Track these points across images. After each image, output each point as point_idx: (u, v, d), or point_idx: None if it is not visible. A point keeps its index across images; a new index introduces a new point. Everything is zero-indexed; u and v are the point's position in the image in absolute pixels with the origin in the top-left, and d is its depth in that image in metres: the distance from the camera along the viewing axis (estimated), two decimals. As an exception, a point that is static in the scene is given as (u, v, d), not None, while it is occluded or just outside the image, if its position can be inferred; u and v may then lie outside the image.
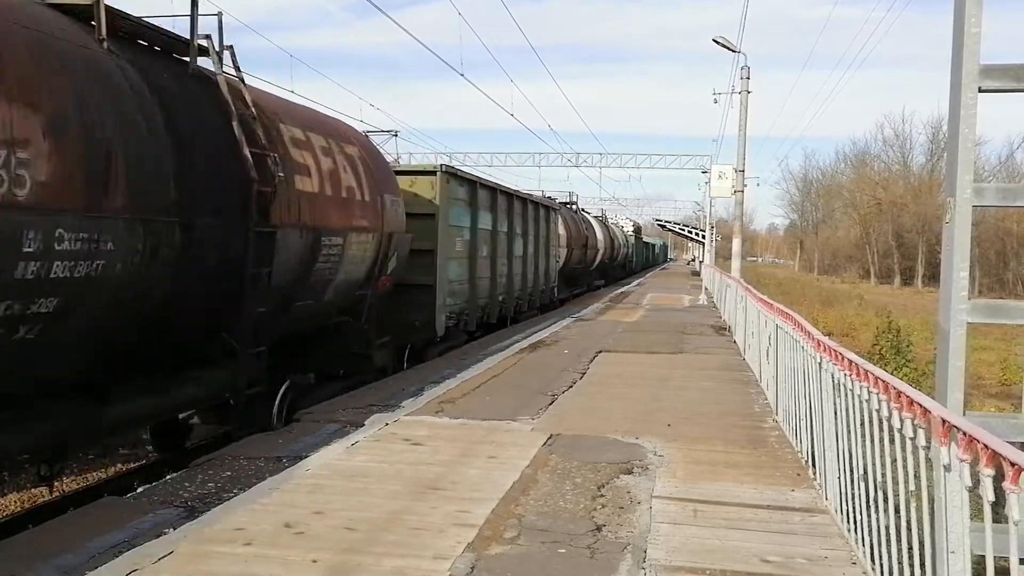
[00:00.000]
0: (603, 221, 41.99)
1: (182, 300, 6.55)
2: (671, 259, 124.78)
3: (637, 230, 65.65)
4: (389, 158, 13.30)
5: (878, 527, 4.23)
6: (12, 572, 4.16)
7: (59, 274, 5.10)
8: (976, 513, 3.32)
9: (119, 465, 9.78)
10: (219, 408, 7.99)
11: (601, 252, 36.86)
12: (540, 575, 4.26)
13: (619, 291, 34.58)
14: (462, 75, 21.25)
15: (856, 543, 4.66)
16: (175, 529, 4.79)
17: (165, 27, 7.11)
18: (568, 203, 31.86)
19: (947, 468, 3.36)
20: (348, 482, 5.78)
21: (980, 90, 5.91)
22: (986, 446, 2.90)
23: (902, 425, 3.84)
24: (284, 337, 8.63)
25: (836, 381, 5.19)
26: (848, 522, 4.87)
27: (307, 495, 5.46)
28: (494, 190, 17.01)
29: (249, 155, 7.21)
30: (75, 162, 5.22)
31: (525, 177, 79.90)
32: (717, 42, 25.41)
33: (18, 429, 5.49)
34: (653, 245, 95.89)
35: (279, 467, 6.14)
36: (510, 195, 18.69)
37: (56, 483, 8.48)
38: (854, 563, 4.50)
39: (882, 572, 4.14)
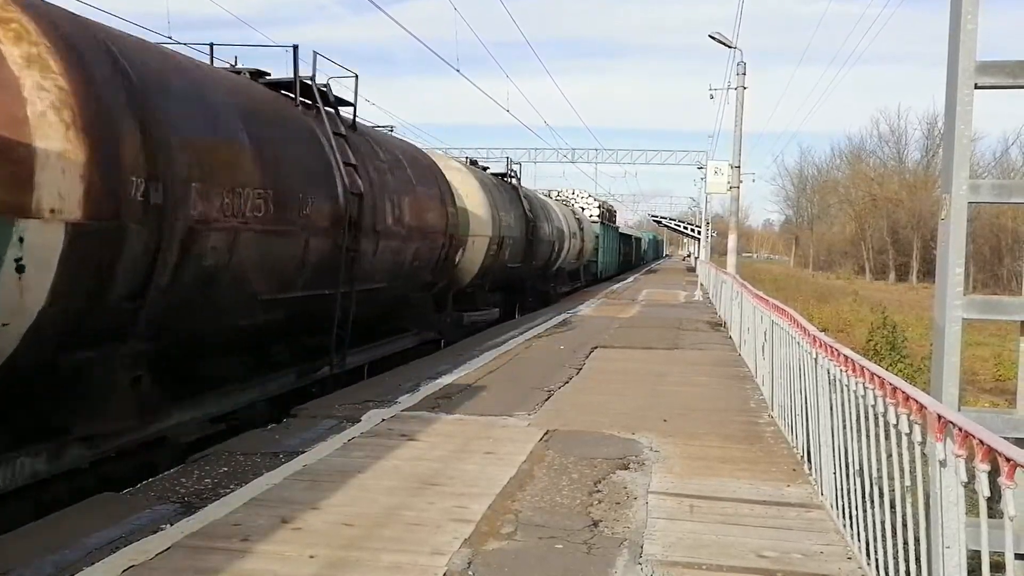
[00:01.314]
0: (518, 189, 21.49)
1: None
2: (667, 255, 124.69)
3: (607, 215, 44.51)
4: None
5: (874, 522, 4.25)
6: (9, 568, 4.16)
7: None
8: (971, 508, 3.34)
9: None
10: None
11: (513, 248, 18.93)
12: (537, 570, 4.28)
13: (610, 288, 34.50)
14: (458, 71, 21.20)
15: (852, 538, 4.68)
16: (172, 525, 4.79)
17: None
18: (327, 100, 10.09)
19: (943, 464, 3.37)
20: (345, 478, 5.78)
21: (976, 87, 5.92)
22: (981, 441, 2.91)
23: (898, 421, 3.85)
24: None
25: (832, 377, 5.21)
26: (844, 517, 4.89)
27: (304, 491, 5.47)
28: None
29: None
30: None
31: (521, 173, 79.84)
32: (713, 38, 25.43)
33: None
34: (638, 239, 74.87)
35: (276, 463, 6.13)
36: None
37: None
38: (849, 558, 4.52)
39: (877, 567, 4.16)
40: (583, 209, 38.00)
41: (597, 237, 37.84)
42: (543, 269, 24.97)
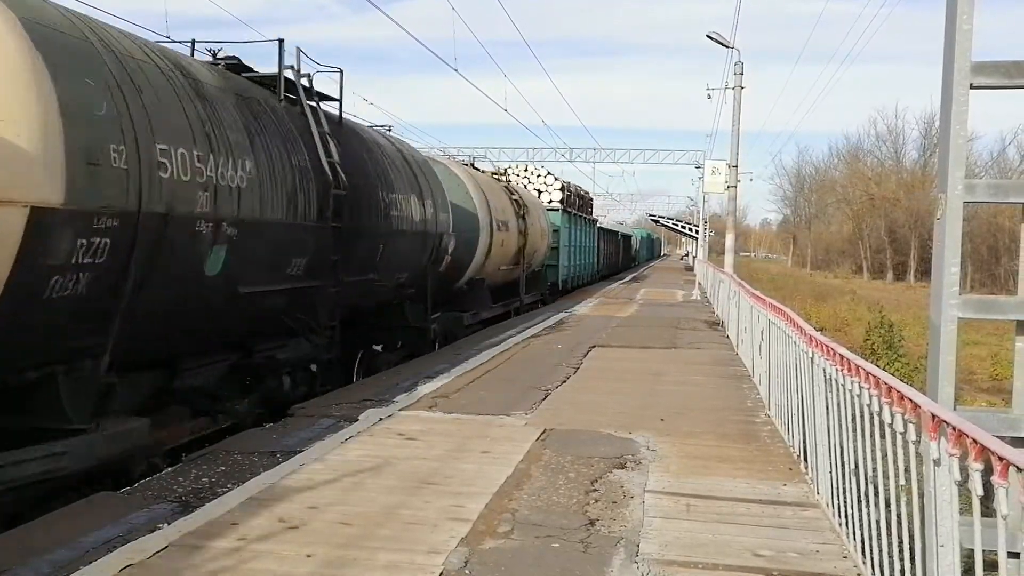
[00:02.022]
0: (312, 115, 9.47)
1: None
2: (664, 255, 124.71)
3: (576, 203, 30.81)
4: None
5: (869, 521, 4.26)
6: (5, 567, 4.16)
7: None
8: (966, 507, 3.35)
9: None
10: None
11: (250, 248, 7.73)
12: (533, 569, 4.29)
13: (610, 287, 34.42)
14: (455, 70, 21.13)
15: (847, 537, 4.69)
16: (169, 524, 4.79)
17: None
18: None
19: (937, 463, 3.38)
20: (342, 477, 5.79)
21: (972, 87, 5.93)
22: (975, 440, 2.92)
23: (893, 420, 3.87)
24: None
25: (828, 376, 5.22)
26: (839, 516, 4.91)
27: (301, 490, 5.47)
28: None
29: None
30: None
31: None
32: (711, 37, 25.45)
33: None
34: (627, 237, 60.97)
35: (273, 462, 6.14)
36: None
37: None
38: (845, 557, 4.54)
39: (873, 566, 4.17)
40: (539, 193, 26.97)
41: (557, 231, 26.46)
42: (414, 286, 12.79)
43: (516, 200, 20.67)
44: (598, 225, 39.27)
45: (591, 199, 36.70)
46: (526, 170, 27.84)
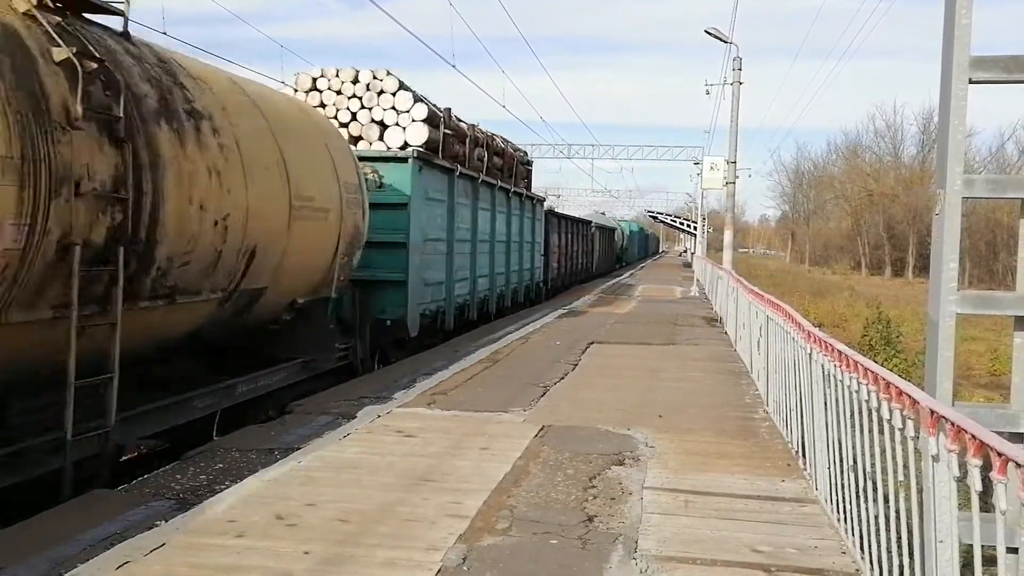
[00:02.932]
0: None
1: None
2: (663, 251, 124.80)
3: (467, 157, 15.11)
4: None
5: (867, 517, 4.26)
6: (3, 564, 4.15)
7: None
8: (964, 502, 3.35)
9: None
10: None
11: None
12: (532, 566, 4.28)
13: (609, 283, 34.40)
14: (454, 66, 21.06)
15: (846, 533, 4.69)
16: (167, 521, 4.79)
17: None
18: None
19: (935, 458, 3.38)
20: (340, 474, 5.79)
21: (971, 81, 5.92)
22: (973, 436, 2.92)
23: (891, 416, 3.86)
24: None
25: (826, 372, 5.22)
26: (838, 512, 4.91)
27: (299, 487, 5.47)
28: None
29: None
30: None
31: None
32: (709, 33, 25.42)
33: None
34: (610, 231, 47.63)
35: (271, 459, 6.13)
36: None
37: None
38: (843, 552, 4.53)
39: (871, 561, 4.17)
40: (383, 128, 12.88)
41: (404, 207, 12.26)
42: None
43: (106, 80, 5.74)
44: (546, 208, 25.70)
45: (528, 162, 22.42)
46: (355, 82, 13.16)
